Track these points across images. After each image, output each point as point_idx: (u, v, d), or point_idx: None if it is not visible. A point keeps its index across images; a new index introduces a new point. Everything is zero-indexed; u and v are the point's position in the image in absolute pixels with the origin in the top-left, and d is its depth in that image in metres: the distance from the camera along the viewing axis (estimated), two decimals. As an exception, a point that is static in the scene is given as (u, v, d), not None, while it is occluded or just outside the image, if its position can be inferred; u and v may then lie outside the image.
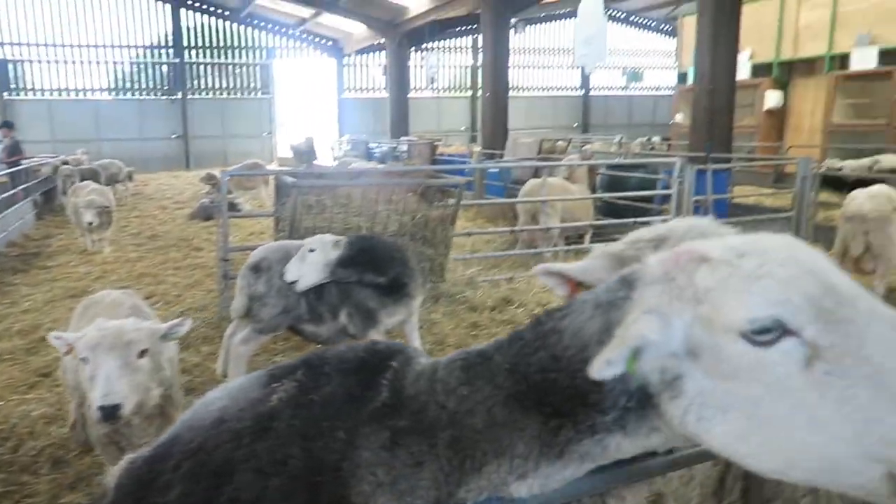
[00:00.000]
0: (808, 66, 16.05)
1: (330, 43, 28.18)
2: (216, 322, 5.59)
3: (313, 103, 29.56)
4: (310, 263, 3.64)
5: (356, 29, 25.59)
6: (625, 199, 8.57)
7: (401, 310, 4.14)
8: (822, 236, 8.00)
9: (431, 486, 1.11)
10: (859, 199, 6.19)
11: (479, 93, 23.37)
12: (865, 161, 11.76)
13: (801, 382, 0.89)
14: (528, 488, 1.08)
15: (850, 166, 11.57)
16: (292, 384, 1.30)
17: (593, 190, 9.00)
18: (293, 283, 3.76)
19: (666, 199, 7.76)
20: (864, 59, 14.23)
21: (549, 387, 1.05)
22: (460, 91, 29.84)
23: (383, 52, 25.04)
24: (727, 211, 8.99)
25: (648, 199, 8.49)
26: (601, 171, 9.51)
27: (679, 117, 18.82)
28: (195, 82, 26.24)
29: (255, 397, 1.32)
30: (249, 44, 27.19)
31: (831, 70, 15.05)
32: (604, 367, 0.94)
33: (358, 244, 3.84)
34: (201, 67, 26.48)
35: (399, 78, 23.75)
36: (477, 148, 18.08)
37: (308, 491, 1.17)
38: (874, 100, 14.18)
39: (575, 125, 30.52)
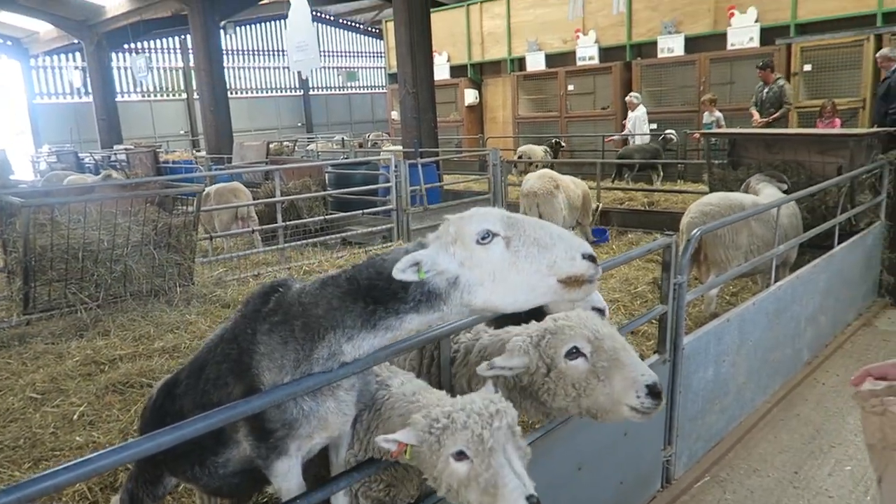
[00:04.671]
0: (495, 67, 18.62)
1: (9, 43, 24.88)
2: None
3: (-3, 111, 25.92)
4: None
5: (42, 28, 23.04)
6: (347, 195, 9.48)
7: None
8: (513, 211, 9.81)
9: (292, 352, 1.88)
10: (531, 179, 7.87)
11: (195, 95, 22.70)
12: (521, 148, 14.56)
13: (508, 255, 1.77)
14: (353, 349, 1.86)
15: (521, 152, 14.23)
16: (237, 312, 2.18)
17: (323, 187, 9.77)
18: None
19: (388, 190, 8.84)
20: (535, 62, 17.08)
21: (373, 287, 1.83)
22: (174, 94, 28.45)
23: (79, 53, 22.96)
24: (439, 197, 10.44)
25: (374, 192, 9.52)
26: (328, 169, 10.31)
27: (395, 114, 20.45)
28: None
29: (222, 325, 2.29)
30: None
31: (512, 71, 17.74)
32: (398, 273, 1.75)
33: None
34: None
35: (103, 81, 22.02)
36: (202, 153, 17.76)
37: (238, 363, 2.01)
38: (547, 95, 17.12)
39: (299, 124, 31.04)
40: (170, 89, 28.36)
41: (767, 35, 12.95)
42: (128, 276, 5.99)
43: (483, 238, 1.77)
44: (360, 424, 2.17)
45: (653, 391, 2.11)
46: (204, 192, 7.83)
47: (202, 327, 5.68)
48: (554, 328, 2.30)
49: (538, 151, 13.96)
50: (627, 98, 13.82)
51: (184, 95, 28.15)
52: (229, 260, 7.77)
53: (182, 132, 27.78)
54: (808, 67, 12.42)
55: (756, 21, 13.03)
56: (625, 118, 14.18)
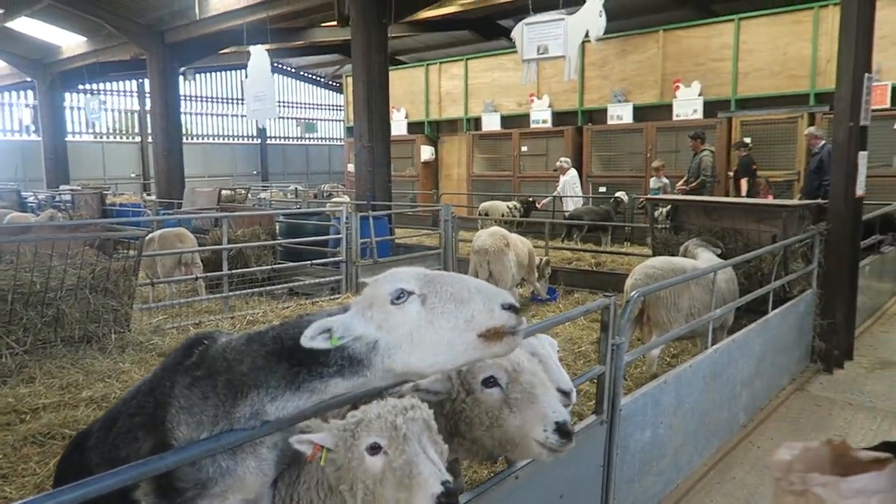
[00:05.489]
0: (451, 126, 19.02)
1: (-44, 77, 24.31)
2: None
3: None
4: None
5: (-7, 64, 22.65)
6: (302, 244, 9.42)
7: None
8: (464, 267, 9.87)
9: (212, 408, 1.80)
10: (482, 236, 7.94)
11: (150, 139, 22.44)
12: (483, 205, 14.76)
13: (424, 313, 1.72)
14: (276, 410, 1.78)
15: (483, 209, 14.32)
16: (159, 365, 2.05)
17: (273, 236, 9.66)
18: None
19: (339, 242, 8.80)
20: (491, 122, 17.52)
21: (296, 349, 1.74)
22: (128, 136, 28.06)
23: (31, 91, 22.53)
24: (390, 251, 10.44)
25: (324, 243, 9.46)
26: (279, 218, 10.24)
27: (351, 167, 20.56)
28: None
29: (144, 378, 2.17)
30: None
31: (468, 130, 18.13)
32: (306, 340, 1.70)
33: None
34: None
35: (53, 120, 21.63)
36: (151, 197, 17.45)
37: (152, 416, 1.92)
38: (501, 155, 17.51)
39: (255, 172, 30.88)
40: (123, 131, 27.97)
41: (710, 108, 13.64)
42: (60, 320, 5.74)
43: (397, 298, 1.73)
44: (282, 481, 2.09)
45: (562, 430, 2.10)
46: (147, 237, 7.62)
47: (135, 376, 5.45)
48: None
49: (501, 208, 14.15)
50: (558, 163, 14.26)
51: (137, 138, 27.77)
52: (170, 307, 7.56)
53: (133, 175, 27.29)
54: (747, 140, 13.05)
55: (700, 95, 13.72)
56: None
